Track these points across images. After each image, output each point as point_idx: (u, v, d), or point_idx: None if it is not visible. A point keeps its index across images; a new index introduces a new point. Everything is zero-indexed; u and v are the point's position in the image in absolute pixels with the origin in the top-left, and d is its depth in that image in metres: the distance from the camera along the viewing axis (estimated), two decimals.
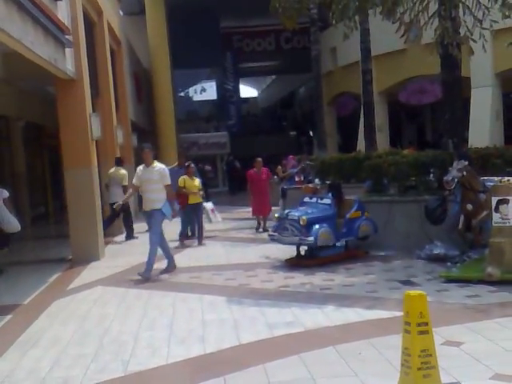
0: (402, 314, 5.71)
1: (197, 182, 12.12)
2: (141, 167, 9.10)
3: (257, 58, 33.83)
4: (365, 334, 5.37)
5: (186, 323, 6.16)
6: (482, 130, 16.77)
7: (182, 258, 10.51)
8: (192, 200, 11.93)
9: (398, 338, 4.93)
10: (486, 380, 4.11)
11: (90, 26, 13.13)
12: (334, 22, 10.62)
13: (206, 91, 36.51)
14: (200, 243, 11.88)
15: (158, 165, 9.05)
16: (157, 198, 8.73)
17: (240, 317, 6.23)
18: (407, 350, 3.95)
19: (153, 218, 8.76)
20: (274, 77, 39.95)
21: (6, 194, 9.28)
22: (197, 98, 36.76)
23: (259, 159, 13.58)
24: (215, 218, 12.85)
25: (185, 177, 11.98)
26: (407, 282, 7.36)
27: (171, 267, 9.09)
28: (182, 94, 34.43)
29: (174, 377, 4.72)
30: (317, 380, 4.34)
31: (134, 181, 9.11)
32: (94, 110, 11.71)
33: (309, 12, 18.54)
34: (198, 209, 12.06)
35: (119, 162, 13.55)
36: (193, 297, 7.33)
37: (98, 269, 9.86)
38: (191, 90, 36.50)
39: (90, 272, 9.63)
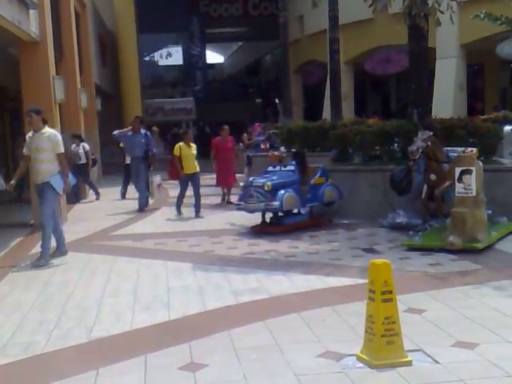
0: (364, 281, 5.81)
1: (194, 149, 11.20)
2: (30, 134, 7.78)
3: (224, 23, 33.34)
4: (328, 300, 5.43)
5: (150, 289, 6.12)
6: (445, 101, 16.94)
7: (147, 225, 10.45)
8: (188, 170, 11.03)
9: (360, 305, 5.03)
10: (447, 347, 4.19)
11: None
12: None
13: (172, 56, 35.90)
14: (197, 215, 10.92)
15: (48, 130, 7.64)
16: (47, 168, 7.49)
17: (205, 283, 6.23)
18: (371, 318, 4.00)
19: (43, 194, 7.56)
20: (240, 43, 39.47)
21: None
22: (163, 62, 36.12)
23: (225, 127, 12.98)
24: (158, 195, 12.67)
25: (181, 144, 11.05)
26: (370, 250, 7.46)
27: (61, 252, 7.92)
28: (147, 58, 33.78)
29: (138, 342, 4.70)
30: (281, 346, 4.37)
31: (24, 150, 7.82)
32: (57, 73, 11.40)
33: None
34: (195, 178, 11.12)
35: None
36: (157, 263, 7.30)
37: None
38: (157, 55, 35.84)
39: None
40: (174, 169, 11.18)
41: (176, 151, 11.02)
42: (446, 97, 17.57)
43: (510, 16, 14.08)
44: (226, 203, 12.43)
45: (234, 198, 11.36)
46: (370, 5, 9.95)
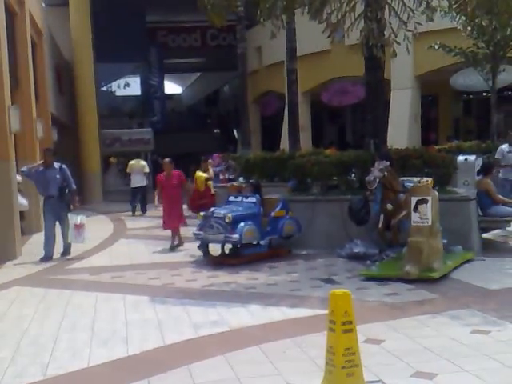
0: (324, 311, 5.85)
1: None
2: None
3: (182, 54, 33.55)
4: (289, 332, 5.43)
5: (108, 324, 6.01)
6: (400, 132, 17.38)
7: (104, 257, 10.27)
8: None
9: (321, 337, 5.05)
10: (407, 378, 4.24)
11: (10, 15, 12.59)
12: (261, 20, 10.70)
13: (130, 86, 35.69)
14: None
15: None
16: None
17: (164, 317, 6.15)
18: (332, 349, 4.01)
19: None
20: (198, 74, 39.74)
21: None
22: (120, 93, 35.90)
23: (167, 160, 11.08)
24: (75, 239, 10.15)
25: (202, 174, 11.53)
26: (329, 281, 7.51)
27: None
28: (104, 88, 33.55)
29: (96, 380, 4.59)
30: (242, 380, 4.34)
31: None
32: (12, 102, 11.22)
33: (236, 10, 18.53)
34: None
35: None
36: (115, 297, 7.16)
37: (14, 268, 9.46)
38: (115, 85, 35.58)
39: (6, 271, 9.24)
40: (194, 201, 11.14)
41: (201, 185, 11.21)
42: (401, 127, 18.02)
43: (463, 47, 14.69)
44: (175, 247, 10.68)
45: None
46: (328, 36, 10.14)
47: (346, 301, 4.04)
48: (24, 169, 10.46)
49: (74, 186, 10.44)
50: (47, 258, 10.00)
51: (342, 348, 3.97)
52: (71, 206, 10.32)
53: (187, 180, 11.52)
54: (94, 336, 5.60)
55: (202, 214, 9.56)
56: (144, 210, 17.14)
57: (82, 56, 24.19)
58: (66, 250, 10.32)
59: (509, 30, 13.43)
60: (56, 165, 10.33)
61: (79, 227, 10.13)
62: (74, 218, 10.15)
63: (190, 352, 5.07)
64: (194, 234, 9.45)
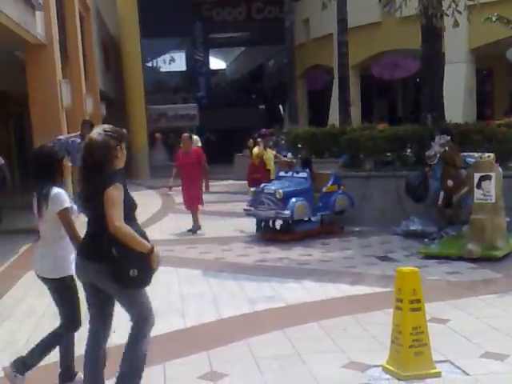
0: (382, 289, 5.73)
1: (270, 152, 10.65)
2: None
3: (227, 28, 33.18)
4: (347, 309, 5.28)
5: (163, 296, 5.96)
6: (455, 106, 16.71)
7: (155, 231, 10.29)
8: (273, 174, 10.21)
9: (381, 315, 4.92)
10: (476, 358, 4.05)
11: None
12: None
13: (176, 62, 35.74)
14: None
15: None
16: None
17: (218, 291, 6.09)
18: (398, 327, 3.86)
19: None
20: (243, 48, 39.39)
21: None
22: (166, 68, 35.99)
23: (186, 135, 10.22)
24: None
25: (260, 149, 10.39)
26: (385, 258, 7.31)
27: None
28: (150, 64, 33.66)
29: (155, 351, 4.53)
30: (303, 356, 4.22)
31: None
32: (63, 77, 11.28)
33: None
34: None
35: None
36: (168, 270, 7.12)
37: None
38: (160, 60, 35.70)
39: None
40: (253, 177, 10.35)
41: (255, 158, 10.27)
42: (456, 102, 17.35)
43: None
44: (192, 232, 9.91)
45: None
46: (384, 6, 9.80)
47: (414, 279, 3.87)
48: (61, 137, 10.02)
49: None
50: None
51: (410, 327, 3.81)
52: None
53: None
54: None
55: (252, 189, 9.43)
56: None
57: (128, 31, 24.23)
58: None
59: None
60: None
61: None
62: None
63: (248, 326, 4.98)
64: (245, 209, 9.35)
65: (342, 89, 16.56)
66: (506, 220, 7.36)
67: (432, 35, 9.61)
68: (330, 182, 9.32)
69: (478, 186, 7.01)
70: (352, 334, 4.68)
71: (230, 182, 18.28)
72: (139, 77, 24.47)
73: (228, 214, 11.86)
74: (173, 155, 10.46)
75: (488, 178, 6.96)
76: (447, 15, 9.17)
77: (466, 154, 8.10)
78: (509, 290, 5.64)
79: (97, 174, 3.35)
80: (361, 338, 4.56)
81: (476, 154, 7.75)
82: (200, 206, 10.13)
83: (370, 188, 9.52)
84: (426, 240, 7.89)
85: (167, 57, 36.43)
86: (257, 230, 9.22)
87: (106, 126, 3.60)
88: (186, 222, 11.12)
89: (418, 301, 3.84)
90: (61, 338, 4.00)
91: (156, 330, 4.85)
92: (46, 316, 5.51)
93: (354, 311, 5.20)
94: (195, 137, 18.15)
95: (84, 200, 3.47)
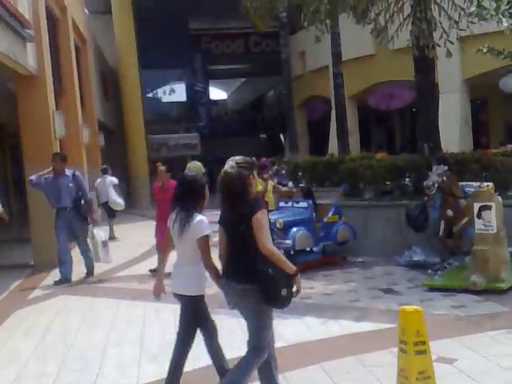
0: (386, 325, 5.50)
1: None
2: None
3: (226, 60, 33.53)
4: (350, 349, 5.05)
5: (158, 337, 5.74)
6: (451, 136, 16.74)
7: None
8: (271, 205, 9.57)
9: (386, 354, 4.69)
10: None
11: (53, 21, 12.65)
12: (305, 24, 10.42)
13: (176, 92, 35.88)
14: None
15: None
16: None
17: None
18: (403, 372, 3.63)
19: None
20: (243, 79, 39.69)
21: None
22: (166, 99, 36.13)
23: (161, 168, 8.81)
24: (105, 257, 8.97)
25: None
26: (389, 291, 7.09)
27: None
28: (150, 94, 33.80)
29: None
30: None
31: None
32: (57, 108, 11.19)
33: (278, 15, 18.37)
34: None
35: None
36: (165, 307, 6.89)
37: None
38: (160, 91, 35.86)
39: (53, 279, 9.09)
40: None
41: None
42: (452, 131, 17.40)
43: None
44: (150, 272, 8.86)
45: None
46: (376, 36, 9.79)
47: (418, 319, 3.66)
48: (32, 177, 8.88)
49: (89, 197, 9.16)
50: (64, 280, 8.61)
51: (415, 371, 3.59)
52: (88, 220, 8.90)
53: None
54: (144, 351, 5.34)
55: None
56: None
57: (127, 63, 24.35)
58: (90, 270, 9.02)
59: None
60: (68, 172, 8.88)
61: (106, 244, 8.98)
62: (101, 234, 9.00)
63: None
64: None
65: (340, 119, 16.55)
66: (510, 250, 7.16)
67: (425, 66, 9.58)
68: (331, 213, 9.17)
69: (479, 216, 6.85)
70: (356, 376, 4.45)
71: None
72: (138, 107, 24.52)
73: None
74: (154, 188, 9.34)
75: (488, 207, 6.80)
76: (439, 46, 9.16)
77: (464, 183, 7.96)
78: None
79: (239, 203, 3.68)
80: (365, 381, 4.33)
81: (475, 184, 7.58)
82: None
83: (370, 217, 9.35)
84: (430, 271, 7.68)
85: (167, 88, 36.62)
86: None
87: (238, 158, 3.86)
88: None
89: (423, 343, 3.62)
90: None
91: (147, 376, 4.68)
92: (31, 361, 5.30)
93: (358, 351, 4.96)
94: (198, 163, 17.99)
95: (227, 227, 3.79)
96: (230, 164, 3.77)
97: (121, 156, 23.94)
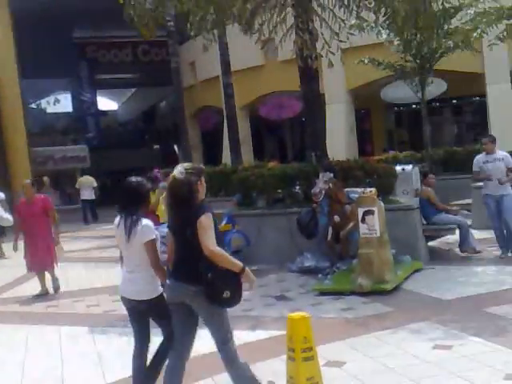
0: (280, 333, 5.53)
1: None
2: None
3: (114, 69, 32.68)
4: (245, 359, 5.01)
5: (41, 361, 5.44)
6: (338, 144, 17.41)
7: (37, 284, 9.58)
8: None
9: (279, 363, 4.71)
10: None
11: None
12: (192, 33, 10.41)
13: (61, 103, 34.55)
14: None
15: None
16: None
17: (105, 350, 5.63)
18: (292, 379, 3.70)
19: None
20: (133, 90, 38.99)
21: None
22: (51, 109, 34.67)
23: (27, 182, 8.79)
24: None
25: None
26: (281, 298, 7.19)
27: None
28: (34, 105, 32.33)
29: None
30: None
31: None
32: None
33: (166, 23, 18.19)
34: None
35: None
36: (50, 329, 6.58)
37: None
38: (44, 102, 34.37)
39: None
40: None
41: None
42: (338, 140, 18.10)
43: (391, 61, 14.91)
44: (45, 295, 8.62)
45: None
46: (261, 47, 9.97)
47: (305, 325, 3.74)
48: None
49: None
50: None
51: (304, 378, 3.67)
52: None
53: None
54: (25, 376, 5.03)
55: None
56: (95, 218, 19.64)
57: (6, 72, 23.09)
58: None
59: (434, 43, 13.68)
60: None
61: None
62: None
63: None
64: None
65: (231, 129, 16.67)
66: (392, 252, 7.50)
67: (309, 76, 9.80)
68: (224, 222, 9.17)
69: (363, 220, 7.12)
70: None
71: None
72: (19, 118, 23.26)
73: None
74: (14, 207, 8.85)
75: (371, 212, 7.09)
76: (322, 56, 9.43)
77: (349, 189, 8.26)
78: (402, 324, 5.64)
79: (185, 208, 3.78)
80: None
81: (359, 190, 7.89)
82: (55, 266, 8.69)
83: (263, 226, 9.44)
84: (320, 276, 7.87)
85: (52, 98, 35.20)
86: None
87: (186, 164, 3.97)
88: (75, 271, 10.49)
89: (310, 349, 3.70)
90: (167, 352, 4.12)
91: None
92: None
93: (252, 360, 4.93)
94: (90, 178, 17.78)
95: (175, 231, 3.90)
96: (179, 170, 3.85)
97: (2, 171, 22.63)
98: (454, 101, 22.44)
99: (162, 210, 10.02)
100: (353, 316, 6.13)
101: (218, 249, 3.76)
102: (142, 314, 4.21)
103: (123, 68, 32.72)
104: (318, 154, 10.08)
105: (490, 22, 11.91)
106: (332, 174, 8.08)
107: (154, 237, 4.07)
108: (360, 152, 19.45)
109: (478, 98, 20.38)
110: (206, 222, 3.75)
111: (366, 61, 15.43)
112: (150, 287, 4.13)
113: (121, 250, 4.30)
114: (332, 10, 9.96)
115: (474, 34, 13.18)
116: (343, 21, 9.97)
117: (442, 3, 10.33)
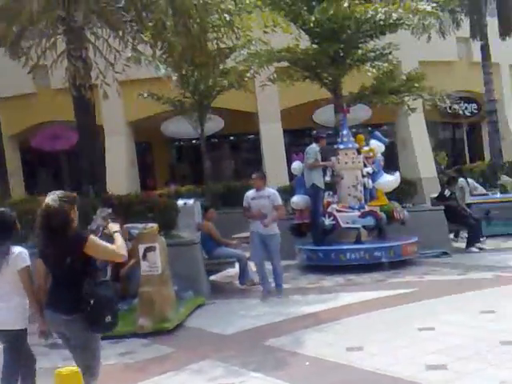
0: None
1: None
2: None
3: None
4: None
5: None
6: (119, 178, 16.98)
7: None
8: None
9: None
10: None
11: None
12: None
13: None
14: None
15: None
16: None
17: None
18: None
19: None
20: None
21: None
22: None
23: None
24: None
25: None
26: (54, 346, 6.46)
27: None
28: None
29: None
30: None
31: None
32: None
33: None
34: None
35: None
36: None
37: None
38: None
39: None
40: None
41: None
42: (119, 173, 17.67)
43: (171, 96, 15.08)
44: None
45: None
46: (28, 72, 9.30)
47: (76, 381, 3.31)
48: None
49: None
50: None
51: None
52: None
53: None
54: None
55: None
56: None
57: None
58: None
59: (210, 80, 14.15)
60: None
61: None
62: None
63: None
64: None
65: None
66: (175, 289, 7.35)
67: (84, 106, 9.39)
68: None
69: (144, 257, 6.89)
70: None
71: None
72: None
73: None
74: None
75: (152, 249, 6.91)
76: (96, 86, 9.10)
77: (130, 225, 7.95)
78: (183, 365, 5.44)
79: (61, 237, 3.72)
80: None
81: (140, 226, 7.64)
82: None
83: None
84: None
85: None
86: None
87: (59, 192, 3.85)
88: None
89: None
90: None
91: None
92: None
93: None
94: None
95: (49, 260, 3.84)
96: (52, 197, 3.76)
97: None
98: (232, 137, 23.34)
99: None
100: (133, 360, 5.78)
101: (123, 250, 3.96)
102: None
103: None
104: (96, 188, 9.63)
105: (262, 63, 12.61)
106: (110, 209, 7.73)
107: (29, 264, 4.14)
108: (142, 186, 19.23)
109: (252, 136, 21.46)
110: (94, 241, 3.81)
111: (145, 94, 15.38)
112: (20, 317, 4.17)
113: None
114: (106, 40, 9.68)
115: (248, 74, 13.94)
116: (119, 52, 9.74)
117: (217, 43, 10.68)
